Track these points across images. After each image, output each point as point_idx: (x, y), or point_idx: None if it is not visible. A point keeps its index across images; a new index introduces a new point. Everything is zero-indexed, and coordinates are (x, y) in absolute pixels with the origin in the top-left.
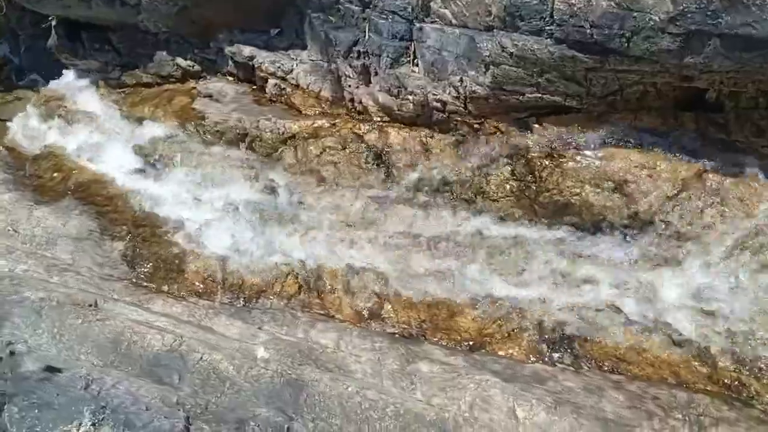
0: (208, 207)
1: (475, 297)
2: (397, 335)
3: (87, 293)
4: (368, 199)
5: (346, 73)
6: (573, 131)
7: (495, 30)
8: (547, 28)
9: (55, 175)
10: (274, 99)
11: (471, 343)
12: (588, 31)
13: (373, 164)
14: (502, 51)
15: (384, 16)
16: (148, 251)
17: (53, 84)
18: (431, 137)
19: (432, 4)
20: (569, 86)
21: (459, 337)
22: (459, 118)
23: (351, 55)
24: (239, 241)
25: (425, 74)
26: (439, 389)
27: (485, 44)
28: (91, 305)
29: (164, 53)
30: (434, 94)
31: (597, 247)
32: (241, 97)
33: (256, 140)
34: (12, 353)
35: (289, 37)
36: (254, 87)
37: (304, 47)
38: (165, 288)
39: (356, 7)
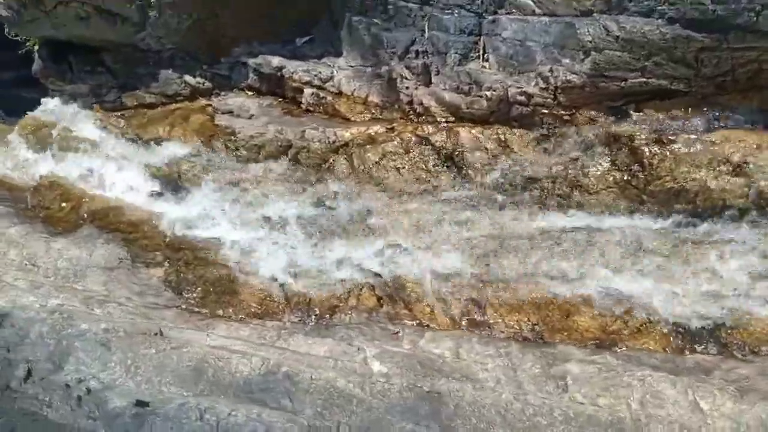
0: (253, 225)
1: (588, 294)
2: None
3: (139, 323)
4: (443, 203)
5: (403, 74)
6: (678, 115)
7: (596, 14)
8: (659, 8)
9: (64, 204)
10: (311, 109)
11: (597, 341)
12: (710, 7)
13: (443, 166)
14: (607, 35)
15: (449, 11)
16: (193, 275)
17: (37, 112)
18: (510, 133)
19: None
20: (677, 69)
21: (581, 337)
22: (546, 111)
23: (408, 55)
24: (298, 258)
25: (499, 68)
26: (602, 389)
27: (586, 29)
28: (156, 333)
29: (170, 71)
30: (517, 87)
31: (718, 234)
32: (269, 110)
33: (302, 151)
34: (89, 390)
35: (322, 45)
36: (280, 99)
37: (338, 54)
38: (219, 312)
39: (413, 5)
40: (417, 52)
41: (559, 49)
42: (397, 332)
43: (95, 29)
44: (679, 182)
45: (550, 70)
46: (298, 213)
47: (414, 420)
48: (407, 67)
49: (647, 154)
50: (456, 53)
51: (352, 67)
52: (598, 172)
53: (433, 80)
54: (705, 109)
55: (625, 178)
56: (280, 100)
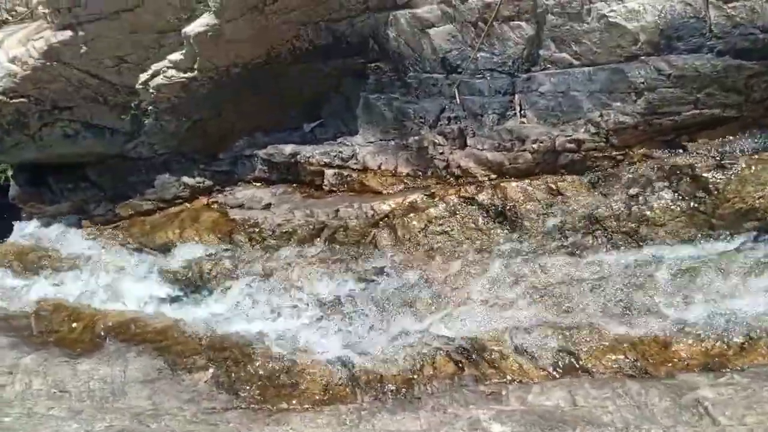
0: (296, 313)
1: (678, 323)
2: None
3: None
4: (502, 257)
5: (435, 141)
6: (732, 140)
7: (643, 57)
8: (708, 43)
9: (75, 325)
10: (335, 189)
11: (703, 367)
12: (760, 36)
13: (494, 222)
14: (659, 74)
15: (480, 76)
16: (245, 373)
17: (15, 238)
18: (561, 181)
19: (541, 52)
20: (729, 96)
21: (687, 366)
22: (598, 154)
23: (440, 123)
24: (355, 338)
25: (540, 121)
26: (745, 408)
27: (637, 72)
28: None
29: (166, 175)
30: (566, 136)
31: None
32: (287, 197)
33: (338, 231)
34: None
35: (334, 126)
36: (294, 186)
37: (353, 132)
38: (284, 405)
39: (439, 75)
40: (449, 119)
41: (607, 94)
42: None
43: (82, 145)
44: (748, 202)
45: (600, 115)
46: (343, 293)
47: None
48: (440, 134)
49: (711, 179)
50: (493, 113)
51: (372, 143)
52: (663, 205)
53: (468, 142)
54: (755, 130)
55: (692, 205)
56: (294, 186)
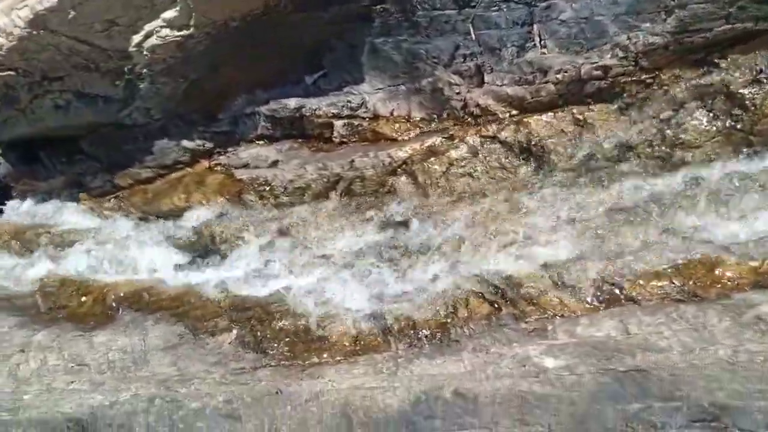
0: (318, 267)
1: (722, 244)
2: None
3: (252, 387)
4: (531, 194)
5: (451, 81)
6: (765, 54)
7: None
8: None
9: (84, 299)
10: (345, 140)
11: (754, 285)
12: None
13: (520, 159)
14: None
15: (495, 8)
16: (272, 331)
17: (8, 217)
18: (588, 111)
19: None
20: (762, 8)
21: (736, 285)
22: (627, 79)
23: (455, 61)
24: (382, 286)
25: (562, 50)
26: None
27: None
28: (277, 392)
29: (165, 140)
30: (591, 63)
31: None
32: (295, 153)
33: (354, 182)
34: None
35: (338, 76)
36: (300, 141)
37: (359, 80)
38: (315, 359)
39: (452, 11)
40: (464, 56)
41: (634, 15)
42: None
43: (74, 116)
44: None
45: (628, 38)
46: (365, 244)
47: (628, 400)
48: (455, 73)
49: (747, 96)
50: (512, 46)
51: (380, 89)
52: (698, 126)
53: (486, 79)
54: None
55: (728, 124)
56: (300, 141)
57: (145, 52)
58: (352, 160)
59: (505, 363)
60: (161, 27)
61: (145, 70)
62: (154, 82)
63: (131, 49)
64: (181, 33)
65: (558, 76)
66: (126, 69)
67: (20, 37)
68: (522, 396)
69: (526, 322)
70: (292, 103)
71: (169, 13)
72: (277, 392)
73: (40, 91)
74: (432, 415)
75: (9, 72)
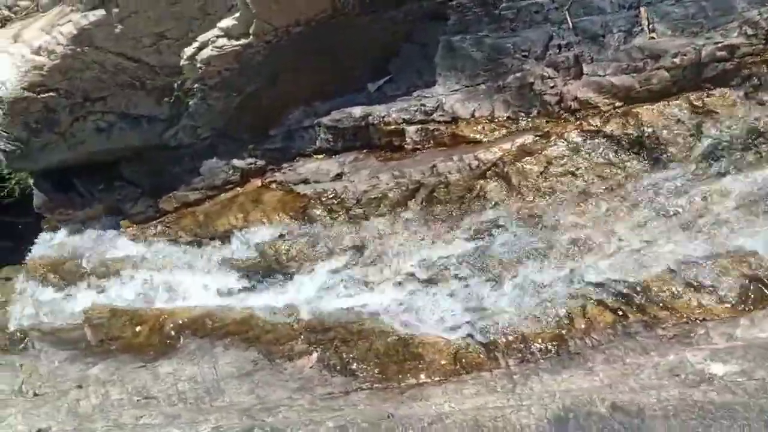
0: (401, 282)
1: None
2: None
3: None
4: (646, 191)
5: (544, 74)
6: None
7: None
8: None
9: (139, 329)
10: (419, 146)
11: None
12: None
13: (630, 154)
14: None
15: None
16: (359, 352)
17: (42, 250)
18: (707, 96)
19: None
20: None
21: None
22: (755, 59)
23: (549, 53)
24: (476, 299)
25: (675, 33)
26: None
27: None
28: (389, 416)
29: (213, 160)
30: (714, 44)
31: None
32: (361, 164)
33: (437, 189)
34: None
35: (407, 80)
36: (364, 151)
37: (430, 83)
38: (411, 381)
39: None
40: (560, 47)
41: None
42: None
43: (117, 138)
44: None
45: (759, 14)
46: (455, 253)
47: None
48: (550, 66)
49: None
50: (619, 32)
51: (456, 91)
52: None
53: (585, 70)
54: None
55: None
56: (364, 152)
57: (198, 65)
58: (434, 166)
59: (646, 373)
60: (217, 37)
61: (196, 85)
62: (206, 98)
63: (183, 62)
64: (240, 42)
65: (675, 60)
66: (175, 85)
67: (63, 55)
68: (700, 406)
69: (662, 329)
70: (358, 111)
71: (227, 22)
72: (388, 416)
73: (82, 113)
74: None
75: (50, 93)
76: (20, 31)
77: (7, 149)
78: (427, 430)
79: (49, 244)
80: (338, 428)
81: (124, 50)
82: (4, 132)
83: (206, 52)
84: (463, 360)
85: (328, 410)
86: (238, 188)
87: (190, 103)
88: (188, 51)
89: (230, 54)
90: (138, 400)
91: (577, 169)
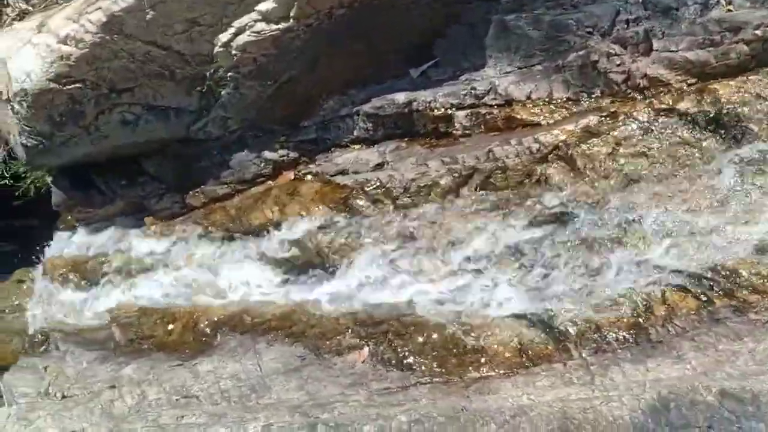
0: (454, 272)
1: None
2: None
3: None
4: (727, 169)
5: (611, 51)
6: None
7: None
8: None
9: (171, 327)
10: (469, 132)
11: None
12: None
13: (707, 132)
14: None
15: None
16: (415, 345)
17: (59, 250)
18: None
19: None
20: None
21: None
22: None
23: (616, 29)
24: (540, 289)
25: (754, 4)
26: None
27: None
28: (463, 408)
29: (243, 153)
30: None
31: None
32: (404, 152)
33: (494, 174)
34: None
35: (453, 63)
36: (406, 140)
37: (480, 66)
38: (474, 374)
39: None
40: (628, 22)
41: None
42: None
43: (143, 131)
44: None
45: None
46: (512, 242)
47: None
48: (617, 42)
49: None
50: (695, 4)
51: (509, 72)
52: None
53: (655, 46)
54: None
55: None
56: (406, 140)
57: (234, 52)
58: (490, 150)
59: (742, 360)
60: (255, 21)
61: (230, 74)
62: (239, 87)
63: (217, 49)
64: (279, 26)
65: (757, 32)
66: (207, 74)
67: (92, 43)
68: None
69: (754, 313)
70: (401, 97)
71: (266, 5)
72: (462, 409)
73: (108, 105)
74: (690, 423)
75: (76, 85)
76: (44, 20)
77: (29, 144)
78: (511, 423)
79: (66, 244)
80: (413, 422)
81: (154, 38)
82: (27, 126)
83: (242, 38)
84: (529, 352)
85: (387, 406)
86: (270, 182)
87: (222, 92)
88: (223, 37)
89: (268, 39)
90: (177, 400)
91: (649, 149)
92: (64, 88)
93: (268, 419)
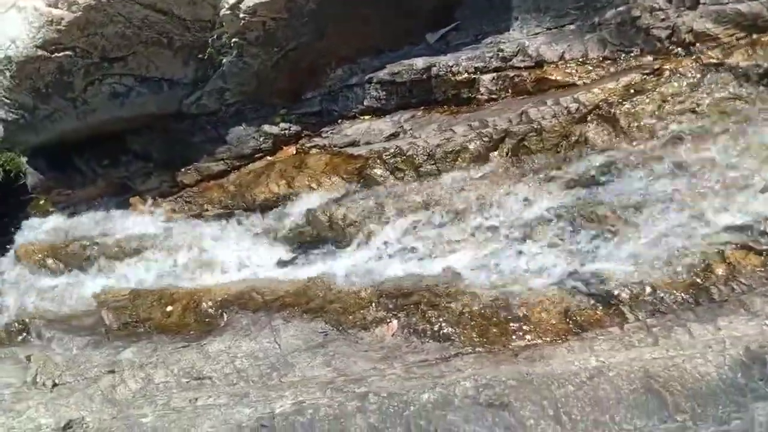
0: (487, 240)
1: None
2: None
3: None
4: None
5: (654, 6)
6: None
7: None
8: None
9: (170, 308)
10: (495, 96)
11: None
12: None
13: (760, 86)
14: None
15: None
16: (451, 315)
17: (32, 236)
18: None
19: None
20: None
21: None
22: None
23: None
24: (584, 253)
25: None
26: None
27: None
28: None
29: (241, 127)
30: None
31: None
32: (422, 120)
33: (528, 137)
34: None
35: (476, 26)
36: (422, 108)
37: (503, 28)
38: (520, 343)
39: None
40: None
41: None
42: None
43: (133, 105)
44: None
45: None
46: (552, 205)
47: None
48: None
49: None
50: None
51: (537, 33)
52: None
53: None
54: None
55: None
56: (422, 109)
57: (242, 15)
58: (523, 112)
59: None
60: None
61: (234, 40)
62: (243, 55)
63: (224, 12)
64: None
65: None
66: (209, 41)
67: (86, 6)
68: None
69: None
70: (419, 63)
71: None
72: (527, 374)
73: (98, 75)
74: None
75: (66, 52)
76: None
77: (9, 118)
78: (589, 384)
79: (41, 230)
80: (481, 387)
81: (154, 1)
82: (7, 99)
83: (252, 0)
84: (576, 318)
85: (428, 377)
86: (268, 157)
87: (224, 61)
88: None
89: (281, 1)
90: (188, 382)
91: (698, 105)
92: (53, 56)
93: (297, 396)
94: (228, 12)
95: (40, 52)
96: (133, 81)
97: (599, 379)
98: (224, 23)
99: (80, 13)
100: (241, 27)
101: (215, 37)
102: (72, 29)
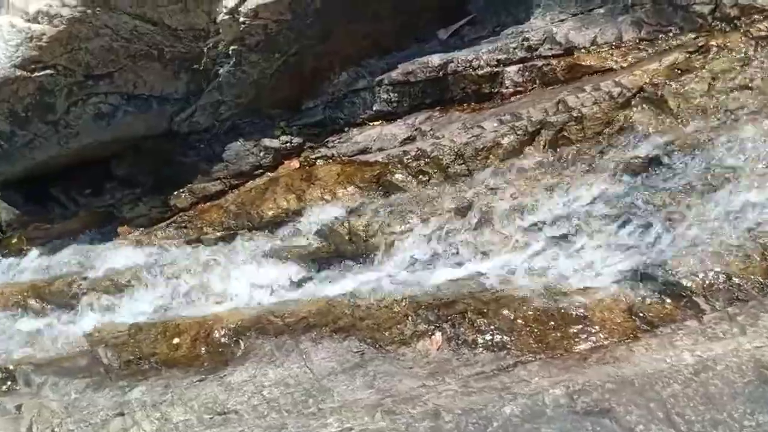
0: (529, 240)
1: None
2: None
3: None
4: None
5: None
6: None
7: None
8: None
9: (177, 341)
10: (521, 89)
11: None
12: None
13: None
14: None
15: None
16: (502, 321)
17: (6, 278)
18: None
19: None
20: None
21: None
22: None
23: None
24: (643, 244)
25: None
26: None
27: None
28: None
29: (238, 143)
30: None
31: None
32: (441, 120)
33: (568, 126)
34: None
35: (493, 18)
36: (438, 108)
37: (523, 18)
38: (585, 345)
39: None
40: None
41: None
42: None
43: (119, 125)
44: None
45: None
46: (599, 196)
47: None
48: None
49: None
50: None
51: (563, 20)
52: None
53: None
54: None
55: None
56: (438, 109)
57: (242, 19)
58: (560, 101)
59: None
60: None
61: (232, 47)
62: (242, 63)
63: (221, 18)
64: None
65: None
66: (204, 50)
67: (71, 19)
68: None
69: None
70: (435, 60)
71: None
72: (625, 376)
73: (82, 95)
74: None
75: (47, 71)
76: None
77: None
78: (697, 380)
79: (16, 270)
80: (575, 394)
81: (143, 10)
82: None
83: (253, 2)
84: (642, 314)
85: (490, 390)
86: (269, 173)
87: (221, 71)
88: (229, 2)
89: (284, 2)
90: (211, 418)
91: (752, 80)
92: (33, 75)
93: (343, 423)
94: (226, 17)
95: (18, 72)
96: (119, 99)
97: (706, 374)
98: (221, 30)
99: (63, 26)
100: (240, 32)
101: (210, 46)
102: (54, 45)
